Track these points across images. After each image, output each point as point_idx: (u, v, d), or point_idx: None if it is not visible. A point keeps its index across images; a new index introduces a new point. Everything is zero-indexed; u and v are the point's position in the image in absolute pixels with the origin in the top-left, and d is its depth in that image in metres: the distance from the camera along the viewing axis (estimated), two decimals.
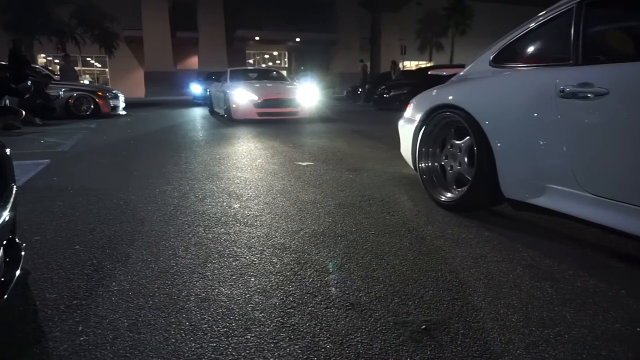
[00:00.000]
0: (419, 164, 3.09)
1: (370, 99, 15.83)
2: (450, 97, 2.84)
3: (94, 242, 2.26)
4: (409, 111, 3.40)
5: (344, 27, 34.18)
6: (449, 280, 1.80)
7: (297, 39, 34.30)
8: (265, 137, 6.53)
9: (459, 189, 2.77)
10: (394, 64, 19.05)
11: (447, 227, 2.48)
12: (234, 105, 8.77)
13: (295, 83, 10.92)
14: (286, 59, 38.51)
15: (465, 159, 2.72)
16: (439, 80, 11.08)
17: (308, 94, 9.44)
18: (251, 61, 37.31)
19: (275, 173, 3.99)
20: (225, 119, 9.31)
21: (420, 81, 13.24)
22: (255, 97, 8.66)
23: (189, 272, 1.89)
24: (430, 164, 3.05)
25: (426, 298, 1.66)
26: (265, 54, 38.77)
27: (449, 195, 2.84)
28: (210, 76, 16.10)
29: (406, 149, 3.31)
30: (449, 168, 2.90)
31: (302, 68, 17.17)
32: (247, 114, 8.67)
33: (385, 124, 8.55)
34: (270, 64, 38.46)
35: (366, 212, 2.77)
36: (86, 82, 19.81)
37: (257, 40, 34.62)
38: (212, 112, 11.25)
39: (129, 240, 2.28)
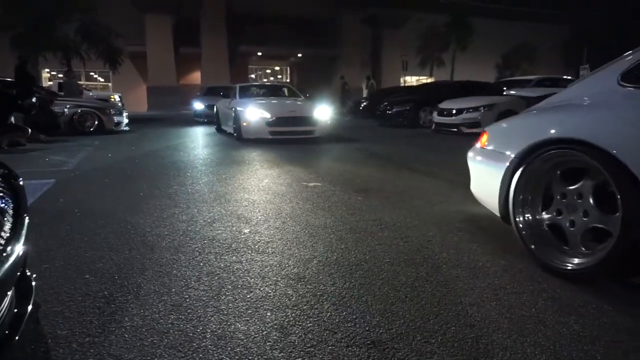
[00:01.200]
0: (515, 216, 2.37)
1: (370, 115, 15.90)
2: (570, 130, 2.15)
3: (104, 271, 2.22)
4: (491, 142, 2.69)
5: (345, 43, 34.46)
6: (471, 315, 1.75)
7: (299, 55, 34.58)
8: (284, 161, 6.52)
9: (593, 250, 2.05)
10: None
11: (462, 254, 2.43)
12: (244, 124, 8.27)
13: (308, 100, 10.54)
14: (288, 74, 38.78)
15: (592, 202, 2.02)
16: (442, 97, 10.86)
17: (323, 111, 8.80)
18: (253, 76, 37.56)
19: (313, 208, 3.96)
20: (234, 138, 8.81)
21: (424, 97, 13.36)
22: (267, 115, 8.12)
23: (202, 306, 1.84)
24: (535, 217, 2.33)
25: (449, 335, 1.61)
26: (267, 69, 39.05)
27: (576, 261, 2.08)
28: (209, 91, 16.00)
29: (487, 191, 2.62)
30: (568, 224, 2.13)
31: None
32: (258, 133, 8.14)
33: (402, 144, 8.55)
34: (272, 79, 38.72)
35: (379, 238, 2.73)
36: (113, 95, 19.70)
37: (260, 55, 34.91)
38: (219, 130, 10.72)
39: (140, 269, 2.23)
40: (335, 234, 2.82)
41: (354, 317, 1.74)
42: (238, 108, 8.67)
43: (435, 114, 10.72)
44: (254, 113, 8.22)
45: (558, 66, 36.66)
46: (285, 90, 11.09)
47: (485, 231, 2.85)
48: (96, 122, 10.25)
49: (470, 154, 2.90)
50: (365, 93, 17.42)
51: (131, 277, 2.13)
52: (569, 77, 12.76)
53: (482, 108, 9.61)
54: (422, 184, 4.55)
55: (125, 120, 11.21)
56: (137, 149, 7.67)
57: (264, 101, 9.03)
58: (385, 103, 13.77)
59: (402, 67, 34.43)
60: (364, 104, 18.87)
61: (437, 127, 10.66)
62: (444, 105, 10.47)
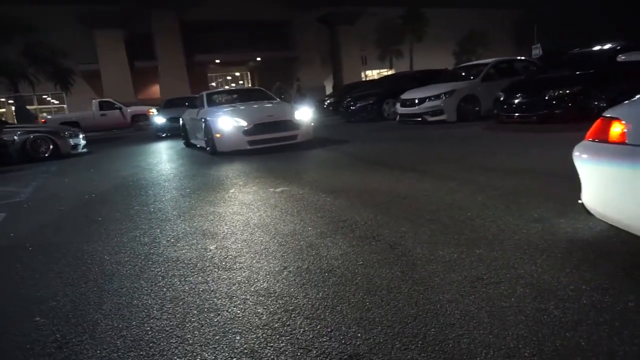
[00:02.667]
0: None
1: (334, 112, 15.90)
2: None
3: (57, 310, 2.04)
4: (614, 134, 1.90)
5: (303, 43, 34.45)
6: (450, 313, 1.68)
7: (258, 59, 34.31)
8: (250, 168, 6.34)
9: None
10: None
11: (437, 247, 2.37)
12: (217, 135, 7.27)
13: (285, 102, 9.60)
14: (249, 79, 38.41)
15: None
16: (403, 89, 10.89)
17: (305, 113, 7.89)
18: (214, 84, 37.02)
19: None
20: (206, 152, 7.85)
21: (386, 90, 13.41)
22: (243, 123, 7.11)
23: (166, 337, 1.70)
24: None
25: (429, 338, 1.53)
26: (227, 75, 38.58)
27: None
28: (169, 103, 15.49)
29: (614, 200, 1.92)
30: None
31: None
32: (235, 144, 7.18)
33: (368, 140, 8.51)
34: (233, 85, 38.27)
35: (350, 240, 2.64)
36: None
37: (218, 62, 34.43)
38: (188, 144, 9.66)
39: (97, 304, 2.06)
40: (305, 240, 2.71)
41: (329, 330, 1.64)
42: (208, 118, 7.64)
43: (398, 105, 10.75)
44: (228, 122, 7.20)
45: (510, 48, 37.70)
46: (258, 94, 9.85)
47: (456, 220, 2.80)
48: (51, 147, 9.76)
49: (585, 154, 2.13)
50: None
51: (87, 314, 1.96)
52: (523, 58, 13.07)
53: (443, 95, 9.69)
54: (392, 177, 4.50)
55: (83, 142, 10.75)
56: (96, 171, 7.35)
57: (237, 107, 7.99)
58: (349, 99, 13.75)
59: (362, 62, 34.61)
60: (328, 101, 18.84)
61: (401, 119, 10.70)
62: (406, 95, 10.52)
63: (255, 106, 8.16)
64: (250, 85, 37.08)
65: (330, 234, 2.77)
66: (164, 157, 8.45)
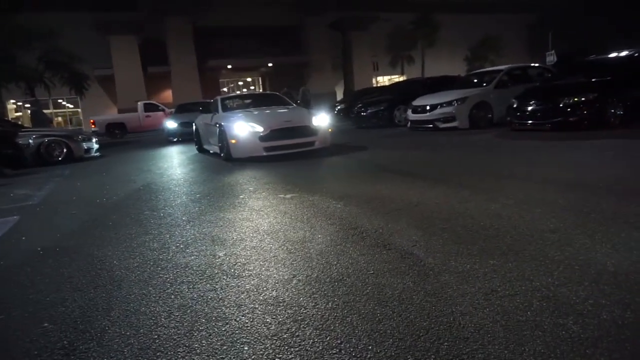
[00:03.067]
0: None
1: (345, 118, 15.89)
2: None
3: (66, 315, 2.03)
4: None
5: (315, 48, 34.56)
6: (464, 326, 1.63)
7: (270, 64, 34.48)
8: (257, 171, 6.34)
9: None
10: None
11: (449, 257, 2.32)
12: (232, 141, 7.02)
13: (302, 108, 9.25)
14: (260, 84, 38.62)
15: None
16: (414, 95, 10.90)
17: (322, 118, 7.56)
18: (225, 89, 37.28)
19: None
20: (220, 158, 7.67)
21: (397, 96, 13.37)
22: (259, 128, 6.87)
23: (173, 346, 1.67)
24: None
25: (442, 353, 1.48)
26: (238, 81, 38.83)
27: None
28: (181, 108, 15.63)
29: None
30: None
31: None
32: (250, 151, 6.94)
33: (379, 146, 8.47)
34: (245, 90, 38.47)
35: (361, 248, 2.60)
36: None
37: (230, 68, 34.68)
38: (201, 150, 9.46)
39: (105, 310, 2.05)
40: (314, 248, 2.68)
41: (339, 342, 1.60)
42: (223, 123, 7.41)
43: (409, 111, 10.70)
44: (243, 127, 6.96)
45: (523, 55, 37.45)
46: (273, 99, 9.56)
47: (469, 230, 2.74)
48: (65, 151, 9.89)
49: None
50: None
51: (95, 321, 1.95)
52: (537, 64, 12.93)
53: (455, 102, 9.62)
54: (403, 185, 4.45)
55: (96, 146, 10.87)
56: (108, 175, 7.41)
57: (253, 112, 7.72)
58: (360, 105, 13.73)
59: (373, 67, 34.61)
60: (339, 107, 18.85)
61: (412, 125, 10.64)
62: (418, 102, 10.46)
63: (272, 111, 7.96)
64: (261, 90, 37.25)
65: (341, 242, 2.73)
66: (175, 162, 8.49)
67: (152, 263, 2.65)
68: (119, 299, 2.16)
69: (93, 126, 18.49)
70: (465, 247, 2.46)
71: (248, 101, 9.54)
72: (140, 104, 19.36)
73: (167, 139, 14.08)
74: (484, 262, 2.21)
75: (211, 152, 8.64)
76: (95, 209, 4.55)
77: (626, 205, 2.98)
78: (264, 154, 6.88)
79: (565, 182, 3.88)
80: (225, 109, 8.45)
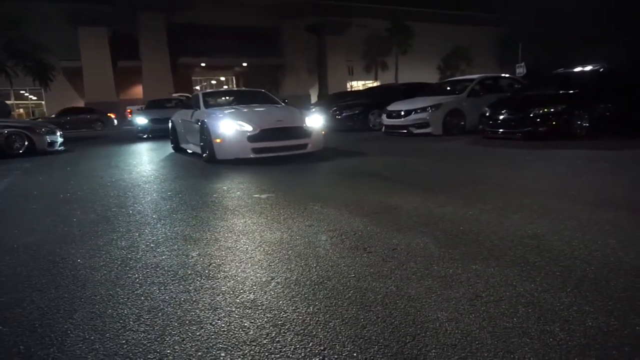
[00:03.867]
0: None
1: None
2: None
3: (23, 318, 1.87)
4: None
5: (290, 50, 34.50)
6: (450, 333, 1.58)
7: (244, 64, 34.17)
8: (230, 172, 6.18)
9: None
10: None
11: (431, 262, 2.28)
12: (217, 141, 6.36)
13: (293, 107, 8.43)
14: (234, 84, 38.20)
15: None
16: (389, 100, 10.95)
17: (316, 119, 7.07)
18: (198, 87, 36.68)
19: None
20: (202, 159, 6.98)
21: (372, 100, 13.44)
22: (248, 128, 6.27)
23: (143, 352, 1.55)
24: None
25: None
26: (212, 79, 38.29)
27: None
28: (152, 104, 15.24)
29: None
30: None
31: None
32: (237, 152, 6.34)
33: (355, 148, 8.44)
34: (221, 88, 37.91)
35: (341, 250, 2.53)
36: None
37: (203, 66, 34.15)
38: (178, 149, 8.70)
39: (67, 312, 1.90)
40: (293, 249, 2.59)
41: (322, 348, 1.52)
42: (206, 120, 6.69)
43: (384, 116, 10.76)
44: (230, 126, 6.32)
45: (493, 66, 38.53)
46: (260, 96, 8.69)
47: (449, 234, 2.72)
48: (26, 143, 9.43)
49: None
50: None
51: (56, 324, 1.80)
52: (508, 75, 13.27)
53: (429, 108, 9.74)
54: (380, 188, 4.42)
55: (60, 140, 10.40)
56: (73, 170, 7.08)
57: (241, 110, 7.03)
58: (335, 108, 13.71)
59: (348, 72, 34.82)
60: (314, 110, 18.78)
61: (387, 130, 10.71)
62: (393, 107, 10.54)
63: (262, 109, 7.31)
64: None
65: (320, 244, 2.66)
66: (146, 160, 8.21)
67: (119, 262, 2.50)
68: (83, 300, 2.01)
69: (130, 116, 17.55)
70: (447, 251, 2.43)
71: (233, 98, 8.86)
72: (176, 97, 18.62)
73: (137, 135, 13.71)
74: (466, 267, 2.18)
75: (189, 151, 8.06)
76: (58, 204, 4.30)
77: (599, 212, 3.03)
78: (252, 155, 6.32)
79: (539, 190, 3.94)
80: (208, 105, 7.84)
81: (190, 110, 7.98)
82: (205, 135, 6.71)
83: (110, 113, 24.82)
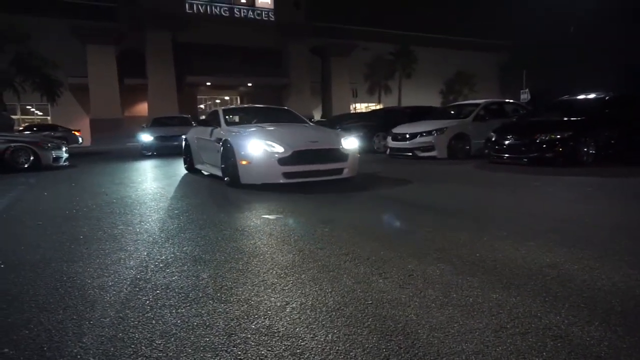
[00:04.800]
0: None
1: None
2: None
3: (30, 340, 1.80)
4: None
5: (295, 71, 34.86)
6: None
7: (249, 84, 34.52)
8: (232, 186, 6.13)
9: None
10: None
11: (450, 289, 2.22)
12: (243, 163, 5.65)
13: (325, 126, 7.71)
14: (239, 104, 38.53)
15: None
16: (394, 122, 10.98)
17: (351, 142, 6.23)
18: (202, 106, 36.98)
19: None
20: (221, 182, 6.34)
21: (376, 123, 13.49)
22: (279, 149, 5.53)
23: None
24: None
25: None
26: (217, 98, 38.63)
27: None
28: (156, 122, 15.31)
29: None
30: None
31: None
32: (266, 176, 5.62)
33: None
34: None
35: (355, 276, 2.47)
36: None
37: (209, 85, 34.50)
38: (191, 169, 8.09)
39: (76, 335, 1.83)
40: (306, 273, 2.53)
41: None
42: (231, 140, 5.97)
43: (389, 139, 10.79)
44: (259, 146, 5.60)
45: (496, 91, 38.89)
46: (285, 114, 8.09)
47: (465, 260, 2.66)
48: (31, 158, 9.44)
49: None
50: None
51: (64, 347, 1.73)
52: (511, 101, 13.36)
53: (434, 132, 9.76)
54: (390, 210, 4.37)
55: (65, 155, 10.42)
56: (78, 185, 7.05)
57: (268, 128, 6.42)
58: (339, 129, 13.74)
59: (352, 94, 35.16)
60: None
61: (392, 152, 10.72)
62: (398, 130, 10.57)
63: (293, 129, 6.66)
64: None
65: (333, 268, 2.60)
66: (157, 180, 8.18)
67: (129, 283, 2.44)
68: (92, 323, 1.95)
69: None
70: (465, 278, 2.37)
71: (255, 115, 8.02)
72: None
73: (142, 153, 13.61)
74: (487, 296, 2.12)
75: (205, 173, 7.43)
76: (63, 220, 4.25)
77: (617, 241, 2.98)
78: (282, 181, 5.58)
79: (551, 217, 3.88)
80: (230, 122, 7.19)
81: (207, 127, 7.26)
82: (229, 156, 5.97)
83: (75, 130, 24.07)
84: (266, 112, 8.54)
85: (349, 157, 5.99)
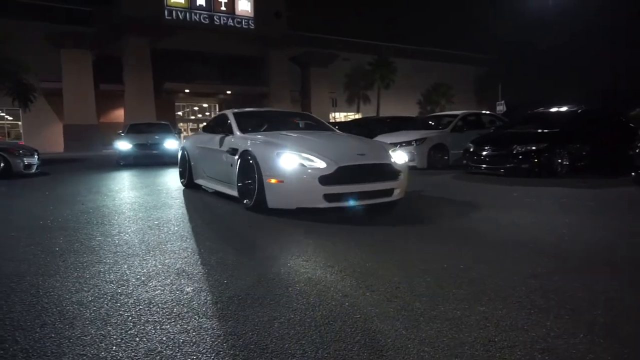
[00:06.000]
0: None
1: None
2: None
3: None
4: None
5: (275, 80, 34.86)
6: None
7: (228, 92, 34.33)
8: (212, 196, 6.04)
9: None
10: None
11: (437, 302, 2.23)
12: (272, 181, 4.46)
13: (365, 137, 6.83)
14: (217, 112, 38.23)
15: None
16: (374, 132, 11.02)
17: (400, 154, 5.02)
18: (180, 113, 36.57)
19: None
20: (231, 202, 5.31)
21: (356, 132, 13.57)
22: (320, 164, 4.36)
23: None
24: None
25: None
26: (195, 106, 38.26)
27: None
28: (133, 128, 13.92)
29: None
30: None
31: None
32: (302, 199, 4.41)
33: None
34: (200, 115, 37.93)
35: (343, 289, 2.45)
36: None
37: (187, 92, 34.16)
38: (190, 185, 6.77)
39: (55, 355, 1.76)
40: (292, 286, 2.50)
41: None
42: (254, 151, 4.78)
43: None
44: (292, 160, 4.42)
45: (472, 102, 39.73)
46: (308, 120, 7.02)
47: (450, 273, 2.68)
48: (2, 165, 9.12)
49: None
50: None
51: None
52: (488, 112, 13.68)
53: (414, 142, 9.89)
54: (370, 220, 4.38)
55: (37, 162, 10.11)
56: (52, 194, 6.84)
57: (307, 137, 5.31)
58: None
59: (331, 103, 35.36)
60: None
61: None
62: (378, 139, 10.64)
63: (331, 139, 5.28)
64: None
65: (320, 282, 2.58)
66: (148, 200, 7.98)
67: (109, 298, 2.36)
68: (72, 341, 1.87)
69: None
70: (450, 290, 2.38)
71: (272, 120, 6.51)
72: None
73: (118, 162, 12.49)
74: (474, 309, 2.14)
75: (210, 190, 6.21)
76: (38, 231, 4.11)
77: (593, 253, 3.06)
78: (323, 205, 4.36)
79: (532, 226, 3.96)
80: (244, 129, 5.71)
81: (214, 135, 5.96)
82: (249, 172, 4.79)
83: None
84: (285, 117, 7.23)
85: (400, 175, 4.79)
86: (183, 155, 7.10)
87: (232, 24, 32.75)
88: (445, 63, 41.17)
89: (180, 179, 7.27)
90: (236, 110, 6.50)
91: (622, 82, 28.17)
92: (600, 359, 1.65)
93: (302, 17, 36.08)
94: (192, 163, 6.71)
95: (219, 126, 6.20)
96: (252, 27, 33.27)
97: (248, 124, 6.01)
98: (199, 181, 6.57)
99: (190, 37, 30.61)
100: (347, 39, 38.40)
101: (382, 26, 42.46)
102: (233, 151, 5.23)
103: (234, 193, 5.17)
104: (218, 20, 32.21)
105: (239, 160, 5.02)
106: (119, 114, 31.32)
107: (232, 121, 5.86)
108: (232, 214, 4.85)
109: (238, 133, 5.57)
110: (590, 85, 28.88)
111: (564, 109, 9.48)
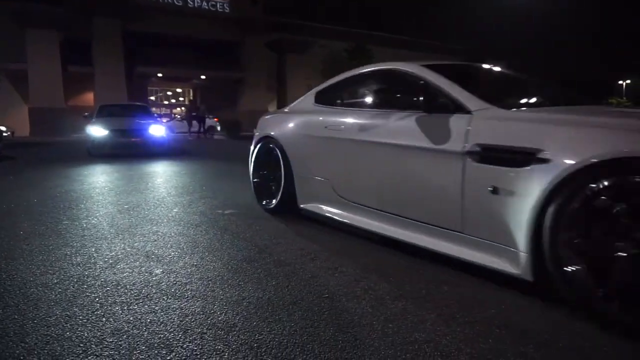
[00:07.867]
0: None
1: None
2: None
3: None
4: None
5: (250, 66, 34.44)
6: (430, 354, 1.58)
7: (203, 77, 33.75)
8: (193, 186, 5.95)
9: None
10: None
11: (404, 282, 2.29)
12: None
13: None
14: (191, 97, 37.52)
15: None
16: None
17: None
18: (153, 98, 35.77)
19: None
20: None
21: None
22: None
23: None
24: None
25: None
26: (168, 90, 37.49)
27: None
28: (104, 111, 11.41)
29: None
30: None
31: (203, 106, 15.61)
32: None
33: None
34: (173, 101, 37.20)
35: (312, 270, 2.49)
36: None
37: (160, 77, 33.40)
38: (286, 208, 3.79)
39: (18, 335, 1.73)
40: (262, 268, 2.52)
41: None
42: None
43: None
44: None
45: None
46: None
47: (421, 254, 2.75)
48: None
49: None
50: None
51: (6, 349, 1.63)
52: None
53: None
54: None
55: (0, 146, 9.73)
56: (17, 178, 6.63)
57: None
58: None
59: (307, 90, 35.21)
60: None
61: None
62: None
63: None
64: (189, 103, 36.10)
65: (289, 263, 2.61)
66: (97, 170, 7.78)
67: (76, 280, 2.33)
68: (37, 322, 1.85)
69: None
70: (417, 270, 2.45)
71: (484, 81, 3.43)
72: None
73: (89, 152, 10.10)
74: (439, 287, 2.21)
75: (343, 220, 3.22)
76: (1, 216, 3.99)
77: None
78: None
79: None
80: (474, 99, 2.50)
81: (378, 112, 3.06)
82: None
83: None
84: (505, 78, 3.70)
85: None
86: (270, 152, 3.94)
87: (206, 7, 32.10)
88: (423, 53, 41.45)
89: (258, 198, 4.15)
90: (430, 63, 3.02)
91: (584, 73, 29.06)
92: (551, 333, 1.73)
93: (280, 2, 35.56)
94: (297, 170, 3.64)
95: (384, 95, 3.23)
96: (227, 10, 32.68)
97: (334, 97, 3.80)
98: (310, 207, 3.57)
99: (164, 20, 29.87)
100: (326, 26, 38.17)
101: (362, 14, 42.28)
102: (473, 155, 2.25)
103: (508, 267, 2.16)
104: (192, 3, 31.50)
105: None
106: (88, 98, 30.45)
107: (447, 86, 2.61)
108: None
109: (483, 107, 2.39)
110: (551, 75, 29.67)
111: (532, 100, 9.71)
